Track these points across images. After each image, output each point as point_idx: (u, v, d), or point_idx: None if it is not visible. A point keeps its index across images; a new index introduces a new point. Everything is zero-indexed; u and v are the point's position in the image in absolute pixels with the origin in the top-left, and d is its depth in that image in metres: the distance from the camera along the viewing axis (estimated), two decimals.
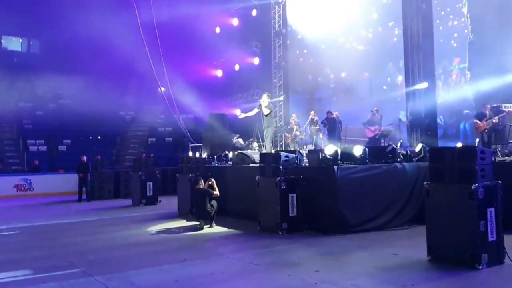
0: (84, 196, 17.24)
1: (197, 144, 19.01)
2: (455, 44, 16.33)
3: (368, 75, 19.39)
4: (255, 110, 13.13)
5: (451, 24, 16.37)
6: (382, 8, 19.02)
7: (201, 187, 10.18)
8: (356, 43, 19.94)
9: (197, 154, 15.00)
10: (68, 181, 19.05)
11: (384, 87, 18.79)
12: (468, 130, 15.60)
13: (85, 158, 17.73)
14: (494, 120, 12.33)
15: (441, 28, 16.49)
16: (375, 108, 16.52)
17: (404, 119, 15.80)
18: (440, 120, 15.87)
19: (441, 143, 14.17)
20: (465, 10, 15.89)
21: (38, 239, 9.43)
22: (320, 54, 21.36)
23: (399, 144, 12.37)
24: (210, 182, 10.29)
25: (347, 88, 20.29)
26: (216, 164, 13.23)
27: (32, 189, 19.91)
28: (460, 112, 16.07)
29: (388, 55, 18.49)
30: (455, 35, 16.32)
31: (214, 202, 10.05)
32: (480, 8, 15.28)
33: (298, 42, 23.35)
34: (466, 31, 15.81)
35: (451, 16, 16.23)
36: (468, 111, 15.64)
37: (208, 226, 9.89)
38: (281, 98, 22.41)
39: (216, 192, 10.16)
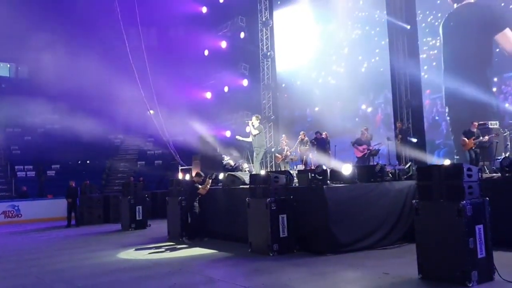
0: (73, 222, 17.02)
1: (187, 167, 18.91)
2: (426, 76, 16.89)
3: (341, 108, 19.89)
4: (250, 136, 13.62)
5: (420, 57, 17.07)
6: (351, 43, 19.67)
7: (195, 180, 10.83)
8: (331, 77, 20.65)
9: (187, 177, 14.90)
10: (57, 207, 18.77)
11: (357, 119, 19.32)
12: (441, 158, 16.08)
13: (73, 183, 17.55)
14: (483, 139, 12.42)
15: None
16: (365, 128, 16.60)
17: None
18: None
19: None
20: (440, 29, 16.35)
21: (25, 267, 9.25)
22: (296, 89, 22.12)
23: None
24: (205, 182, 10.96)
25: (322, 121, 20.68)
26: None
27: (20, 215, 19.55)
28: (433, 142, 16.59)
29: (358, 88, 19.13)
30: (425, 67, 16.89)
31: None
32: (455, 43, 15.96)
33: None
34: (434, 63, 16.49)
35: (425, 48, 16.85)
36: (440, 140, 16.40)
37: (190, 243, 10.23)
38: None
39: (203, 188, 10.78)
